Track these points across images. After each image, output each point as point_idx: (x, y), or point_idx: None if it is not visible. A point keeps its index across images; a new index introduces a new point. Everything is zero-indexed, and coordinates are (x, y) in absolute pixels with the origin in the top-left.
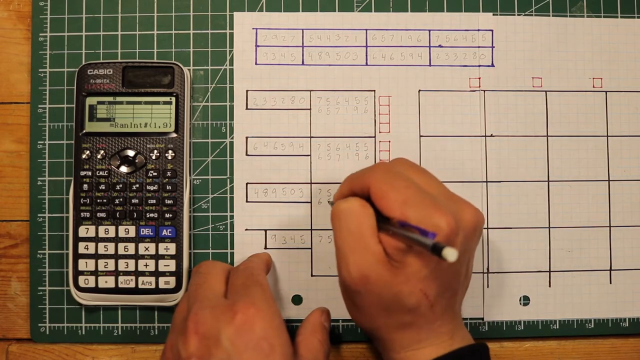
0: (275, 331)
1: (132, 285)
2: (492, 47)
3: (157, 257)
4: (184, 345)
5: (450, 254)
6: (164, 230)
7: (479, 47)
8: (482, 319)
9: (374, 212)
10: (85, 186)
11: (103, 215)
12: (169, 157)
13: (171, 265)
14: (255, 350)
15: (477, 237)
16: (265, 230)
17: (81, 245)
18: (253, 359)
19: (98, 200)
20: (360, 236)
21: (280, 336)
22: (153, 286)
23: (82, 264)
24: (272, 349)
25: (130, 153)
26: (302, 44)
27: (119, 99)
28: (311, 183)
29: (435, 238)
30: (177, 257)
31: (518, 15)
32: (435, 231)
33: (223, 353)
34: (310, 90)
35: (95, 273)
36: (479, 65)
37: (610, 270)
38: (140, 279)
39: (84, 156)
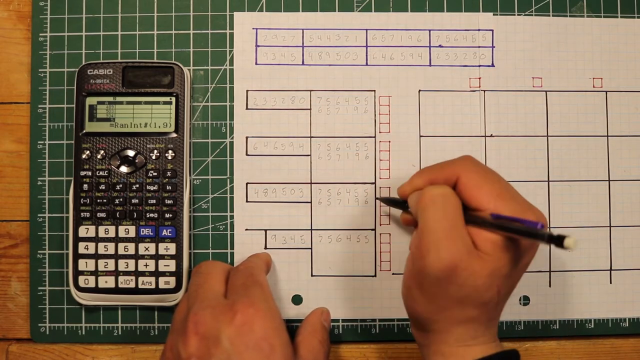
0: (275, 331)
1: (132, 285)
2: (492, 47)
3: (157, 257)
4: (184, 345)
5: (573, 242)
6: (164, 230)
7: (479, 47)
8: None
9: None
10: (85, 186)
11: (103, 215)
12: (169, 157)
13: (171, 265)
14: (255, 350)
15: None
16: (265, 230)
17: (81, 245)
18: (253, 359)
19: (98, 200)
20: (454, 224)
21: (280, 336)
22: (153, 286)
23: (82, 264)
24: (272, 349)
25: (130, 153)
26: (302, 44)
27: (119, 99)
28: (311, 183)
29: (543, 228)
30: (177, 257)
31: (518, 15)
32: None
33: (223, 353)
34: (310, 90)
35: (95, 273)
36: (479, 65)
37: (610, 270)
38: (140, 279)
39: (84, 156)
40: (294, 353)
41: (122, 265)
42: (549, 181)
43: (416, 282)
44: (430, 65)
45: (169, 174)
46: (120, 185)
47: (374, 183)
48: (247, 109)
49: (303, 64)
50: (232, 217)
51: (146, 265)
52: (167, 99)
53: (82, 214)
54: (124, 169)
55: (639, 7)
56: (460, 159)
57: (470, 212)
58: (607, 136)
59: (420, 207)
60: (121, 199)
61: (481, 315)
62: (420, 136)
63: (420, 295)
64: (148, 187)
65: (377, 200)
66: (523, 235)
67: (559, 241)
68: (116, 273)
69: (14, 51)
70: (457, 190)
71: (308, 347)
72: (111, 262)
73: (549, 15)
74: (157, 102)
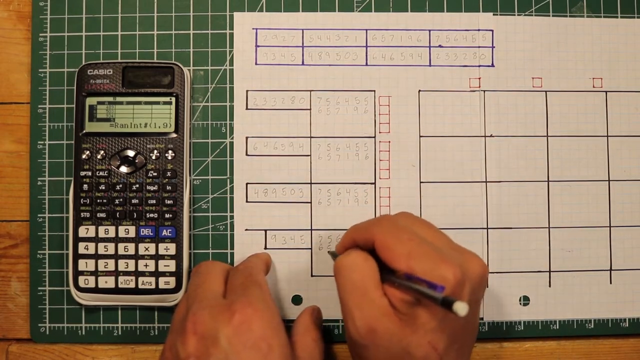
0: (274, 331)
1: (132, 285)
2: (492, 47)
3: (157, 257)
4: (183, 345)
5: (462, 308)
6: (164, 231)
7: (479, 47)
8: (482, 319)
9: (378, 264)
10: (85, 186)
11: (103, 215)
12: (169, 157)
13: (171, 266)
14: (253, 350)
15: (484, 287)
16: (265, 230)
17: (81, 245)
18: (251, 358)
19: (98, 201)
20: (364, 291)
21: (278, 336)
22: (153, 286)
23: (82, 264)
24: (270, 348)
25: (130, 153)
26: (302, 44)
27: (119, 99)
28: (311, 183)
29: (443, 291)
30: (177, 257)
31: (518, 15)
32: (442, 283)
33: (221, 353)
34: (310, 90)
35: (95, 273)
36: (479, 65)
37: (610, 270)
38: (140, 279)
39: (84, 156)
40: (292, 353)
41: (122, 265)
42: (548, 181)
43: (353, 351)
44: (430, 65)
45: (169, 174)
46: (120, 186)
47: (374, 183)
48: (247, 109)
49: (303, 64)
50: (232, 217)
51: (146, 266)
52: (167, 99)
53: (82, 214)
54: (124, 169)
55: (639, 7)
56: (374, 221)
57: (385, 273)
58: (607, 136)
59: (335, 277)
60: (121, 199)
61: None
62: (420, 136)
63: None
64: (148, 187)
65: (328, 254)
66: (423, 296)
67: (449, 305)
68: (116, 273)
69: (14, 51)
70: (376, 252)
71: (303, 347)
72: (111, 262)
73: (549, 16)
74: (157, 102)
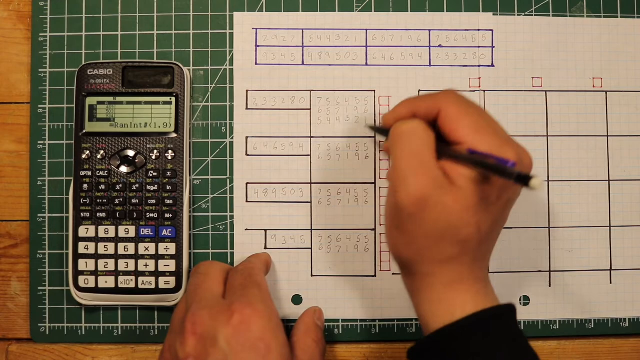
0: (272, 332)
1: (132, 285)
2: (492, 47)
3: (157, 257)
4: (182, 345)
5: (538, 183)
6: (164, 230)
7: (479, 47)
8: None
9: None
10: (85, 186)
11: (103, 215)
12: (169, 157)
13: (171, 265)
14: (251, 350)
15: None
16: (265, 230)
17: (81, 245)
18: (250, 359)
19: (98, 200)
20: (424, 158)
21: (277, 337)
22: (153, 286)
23: (82, 264)
24: (269, 349)
25: (130, 153)
26: (302, 44)
27: (119, 99)
28: (311, 183)
29: (515, 167)
30: (177, 257)
31: (518, 15)
32: None
33: (220, 353)
34: (310, 90)
35: (95, 273)
36: (479, 65)
37: (610, 270)
38: (140, 279)
39: (84, 156)
40: (291, 353)
41: (122, 265)
42: (549, 181)
43: (393, 220)
44: (430, 65)
45: (169, 174)
46: (120, 185)
47: (374, 183)
48: (247, 109)
49: (303, 64)
50: (232, 217)
51: (146, 265)
52: (167, 99)
53: (82, 214)
54: (124, 169)
55: (639, 7)
56: (443, 92)
57: (445, 146)
58: (607, 136)
59: (390, 143)
60: (121, 199)
61: (463, 254)
62: None
63: (399, 235)
64: (148, 187)
65: (367, 127)
66: (493, 171)
67: (525, 181)
68: (116, 273)
69: (14, 51)
70: (438, 123)
71: (303, 347)
72: (111, 262)
73: (549, 15)
74: (157, 102)
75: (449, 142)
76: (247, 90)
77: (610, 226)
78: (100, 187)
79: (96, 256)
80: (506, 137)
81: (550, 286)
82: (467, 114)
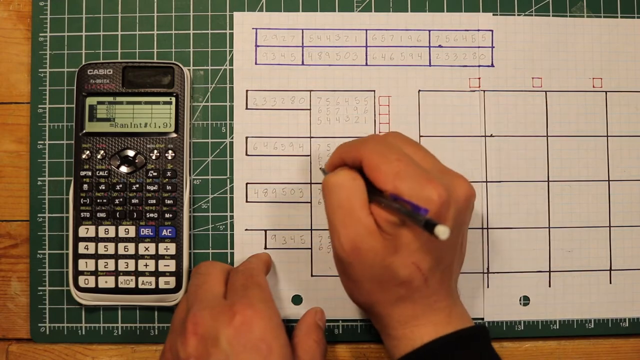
0: (274, 332)
1: (132, 285)
2: (492, 47)
3: (157, 257)
4: (183, 345)
5: (442, 231)
6: (164, 230)
7: (478, 47)
8: (482, 319)
9: (366, 183)
10: (85, 186)
11: (103, 215)
12: (169, 157)
13: (171, 265)
14: (253, 351)
15: (470, 210)
16: (265, 230)
17: (81, 245)
18: (251, 359)
19: (98, 200)
20: (350, 209)
21: (278, 337)
22: (153, 286)
23: (82, 264)
24: (270, 350)
25: (130, 153)
26: (302, 44)
27: (119, 99)
28: (311, 183)
29: (427, 214)
30: (177, 257)
31: (518, 15)
32: (426, 203)
33: (221, 354)
34: (310, 90)
35: (95, 273)
36: (479, 65)
37: (610, 270)
38: (140, 279)
39: (84, 156)
40: (292, 354)
41: (122, 265)
42: (548, 181)
43: (340, 270)
44: (430, 65)
45: (169, 174)
46: (120, 185)
47: None
48: (247, 109)
49: (303, 64)
50: (232, 217)
51: (146, 265)
52: (167, 99)
53: (82, 214)
54: (124, 169)
55: (639, 7)
56: (362, 140)
57: (373, 192)
58: (607, 136)
59: (322, 195)
60: (121, 199)
61: (411, 293)
62: (420, 136)
63: (347, 281)
64: (148, 187)
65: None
66: (407, 217)
67: (430, 228)
68: (116, 273)
69: (14, 51)
70: (364, 171)
71: (304, 348)
72: (111, 262)
73: (548, 16)
74: (157, 102)
75: (375, 188)
76: (247, 90)
77: (610, 226)
78: (100, 187)
79: (96, 256)
80: (432, 175)
81: (550, 286)
82: (386, 161)
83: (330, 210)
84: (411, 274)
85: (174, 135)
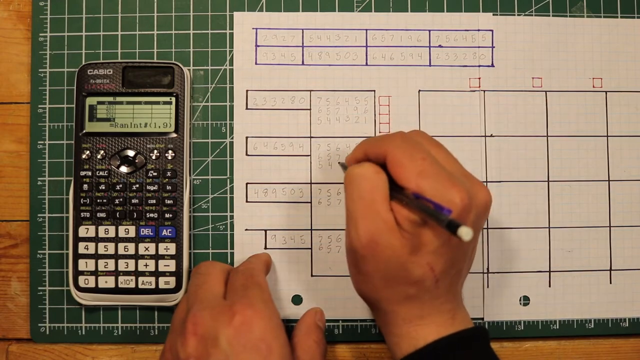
0: (273, 332)
1: (132, 285)
2: (492, 47)
3: (157, 257)
4: (183, 346)
5: (466, 232)
6: (164, 230)
7: (479, 47)
8: (482, 319)
9: (388, 179)
10: (85, 186)
11: (103, 215)
12: (169, 157)
13: (171, 265)
14: (253, 351)
15: (486, 217)
16: (265, 230)
17: (81, 245)
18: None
19: (98, 200)
20: (371, 202)
21: (278, 337)
22: (153, 286)
23: (82, 264)
24: (270, 350)
25: (130, 153)
26: (302, 44)
27: (119, 99)
28: (311, 183)
29: (450, 214)
30: (177, 257)
31: (518, 15)
32: (449, 206)
33: (221, 354)
34: (310, 90)
35: (95, 273)
36: (479, 65)
37: (610, 270)
38: (140, 279)
39: (84, 156)
40: (292, 354)
41: (122, 265)
42: (548, 181)
43: (351, 262)
44: (430, 65)
45: (169, 174)
46: (120, 185)
47: None
48: (247, 109)
49: (303, 64)
50: (232, 217)
51: (146, 265)
52: (167, 99)
53: (82, 214)
54: (124, 169)
55: (639, 7)
56: (388, 135)
57: (395, 189)
58: (607, 136)
59: (344, 186)
60: (121, 199)
61: (420, 293)
62: None
63: (358, 274)
64: (148, 187)
65: (338, 164)
66: (430, 216)
67: (454, 229)
68: (116, 273)
69: (14, 51)
70: (387, 167)
71: (304, 348)
72: (111, 262)
73: (548, 15)
74: (157, 102)
75: (398, 185)
76: (247, 90)
77: (610, 226)
78: (100, 187)
79: (96, 256)
80: (456, 178)
81: (550, 286)
82: (410, 158)
83: (351, 200)
84: (424, 274)
85: (174, 135)
